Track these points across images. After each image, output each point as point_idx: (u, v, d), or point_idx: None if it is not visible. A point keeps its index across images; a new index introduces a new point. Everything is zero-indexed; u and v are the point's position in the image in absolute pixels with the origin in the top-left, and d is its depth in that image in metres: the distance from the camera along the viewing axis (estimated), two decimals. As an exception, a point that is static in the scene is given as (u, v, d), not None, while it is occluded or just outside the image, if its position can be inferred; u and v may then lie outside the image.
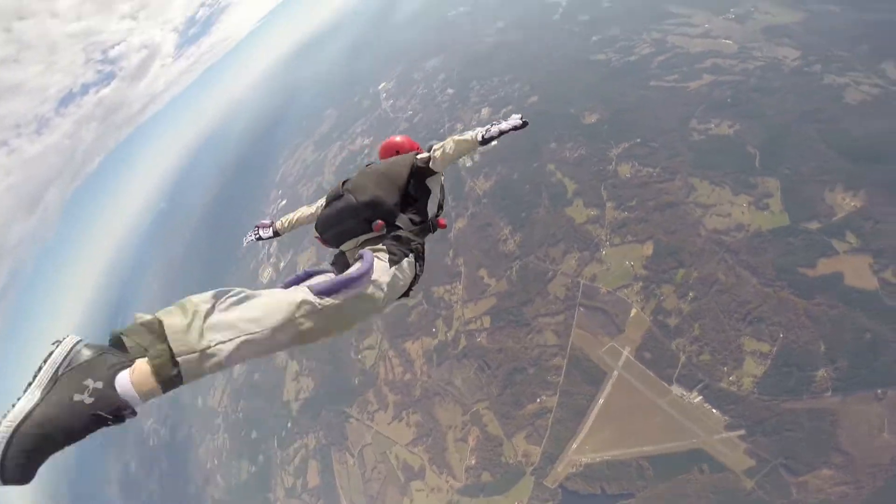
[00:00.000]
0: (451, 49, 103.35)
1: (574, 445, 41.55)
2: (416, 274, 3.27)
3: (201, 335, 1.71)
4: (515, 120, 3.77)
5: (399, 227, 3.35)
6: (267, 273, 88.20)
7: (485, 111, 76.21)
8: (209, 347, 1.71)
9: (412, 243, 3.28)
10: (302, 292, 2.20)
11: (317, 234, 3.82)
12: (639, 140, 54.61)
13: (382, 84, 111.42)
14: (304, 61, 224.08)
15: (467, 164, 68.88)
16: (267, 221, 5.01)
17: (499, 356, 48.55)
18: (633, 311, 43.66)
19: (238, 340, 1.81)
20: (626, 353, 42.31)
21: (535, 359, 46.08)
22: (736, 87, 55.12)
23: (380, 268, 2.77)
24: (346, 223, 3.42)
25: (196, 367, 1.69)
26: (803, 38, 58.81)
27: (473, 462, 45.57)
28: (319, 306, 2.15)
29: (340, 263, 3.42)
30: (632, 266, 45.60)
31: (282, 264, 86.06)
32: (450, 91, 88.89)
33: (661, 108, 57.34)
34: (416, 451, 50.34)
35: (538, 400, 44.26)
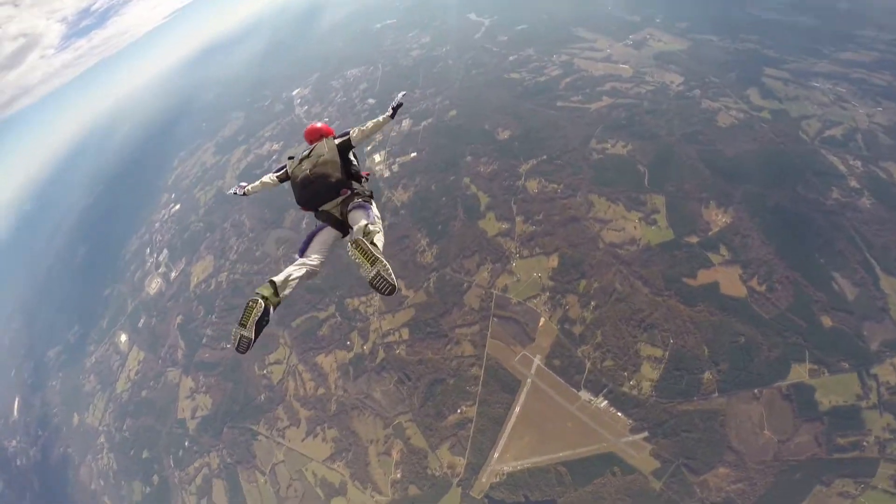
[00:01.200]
0: (375, 60, 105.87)
1: (496, 455, 43.54)
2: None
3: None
4: (399, 97, 7.20)
5: (354, 188, 6.47)
6: (155, 283, 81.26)
7: (405, 123, 78.77)
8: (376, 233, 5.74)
9: (366, 192, 6.57)
10: (368, 221, 5.99)
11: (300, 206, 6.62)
12: (545, 157, 60.37)
13: (297, 90, 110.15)
14: (209, 64, 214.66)
15: (385, 175, 70.58)
16: (244, 184, 7.98)
17: (418, 368, 49.79)
18: (542, 321, 47.40)
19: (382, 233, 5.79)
20: (537, 361, 45.66)
21: (454, 370, 47.95)
22: (630, 110, 63.64)
23: (374, 208, 6.26)
24: (322, 196, 6.23)
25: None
26: (687, 65, 70.05)
27: (399, 476, 45.94)
28: (382, 222, 6.04)
29: (325, 218, 6.35)
30: (539, 277, 49.77)
31: (173, 274, 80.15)
32: (371, 101, 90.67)
33: (567, 127, 64.12)
34: (335, 467, 49.51)
35: (459, 410, 46.02)
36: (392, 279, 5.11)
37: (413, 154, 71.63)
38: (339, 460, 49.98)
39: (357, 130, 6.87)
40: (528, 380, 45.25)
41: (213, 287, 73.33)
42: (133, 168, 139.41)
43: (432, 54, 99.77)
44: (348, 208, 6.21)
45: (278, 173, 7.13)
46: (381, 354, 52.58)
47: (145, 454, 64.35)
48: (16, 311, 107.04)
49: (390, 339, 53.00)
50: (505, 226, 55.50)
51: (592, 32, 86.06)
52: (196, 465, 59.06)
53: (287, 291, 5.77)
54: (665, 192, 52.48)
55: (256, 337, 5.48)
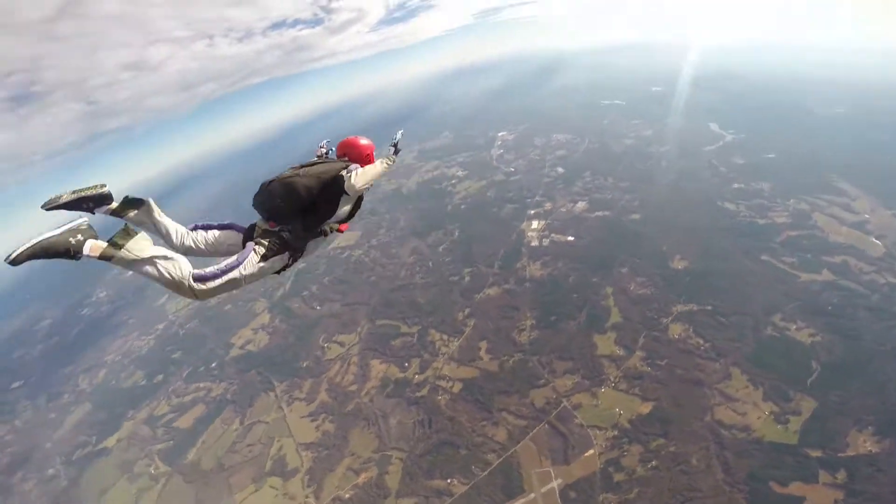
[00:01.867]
0: (584, 133, 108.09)
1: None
2: (285, 265, 4.92)
3: (139, 255, 3.94)
4: (399, 135, 6.80)
5: (288, 230, 4.89)
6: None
7: (580, 205, 77.98)
8: (136, 260, 3.95)
9: (292, 245, 4.88)
10: (188, 277, 4.16)
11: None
12: (709, 308, 52.23)
13: (503, 133, 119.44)
14: (455, 81, 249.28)
15: (533, 244, 70.84)
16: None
17: (444, 423, 49.47)
18: (590, 452, 43.09)
19: (148, 268, 4.01)
20: (555, 483, 41.71)
21: (474, 444, 46.34)
22: (849, 298, 50.84)
23: (251, 261, 4.50)
24: (263, 206, 5.07)
25: (118, 261, 3.91)
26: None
27: (346, 497, 46.63)
28: (195, 289, 4.20)
29: (248, 232, 5.03)
30: (619, 414, 44.95)
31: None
32: (560, 170, 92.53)
33: (757, 287, 54.38)
34: (303, 454, 52.45)
35: (448, 481, 44.55)
36: None
37: (570, 238, 70.33)
38: (312, 451, 52.39)
39: (353, 183, 5.31)
40: (533, 495, 41.54)
41: (344, 255, 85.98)
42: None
43: (646, 149, 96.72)
44: (245, 243, 4.88)
45: None
46: (424, 392, 53.70)
47: (176, 355, 78.30)
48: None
49: (441, 383, 53.75)
50: (619, 352, 50.25)
51: (856, 188, 71.54)
52: (201, 385, 68.91)
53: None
54: (823, 399, 42.23)
55: (56, 207, 3.90)
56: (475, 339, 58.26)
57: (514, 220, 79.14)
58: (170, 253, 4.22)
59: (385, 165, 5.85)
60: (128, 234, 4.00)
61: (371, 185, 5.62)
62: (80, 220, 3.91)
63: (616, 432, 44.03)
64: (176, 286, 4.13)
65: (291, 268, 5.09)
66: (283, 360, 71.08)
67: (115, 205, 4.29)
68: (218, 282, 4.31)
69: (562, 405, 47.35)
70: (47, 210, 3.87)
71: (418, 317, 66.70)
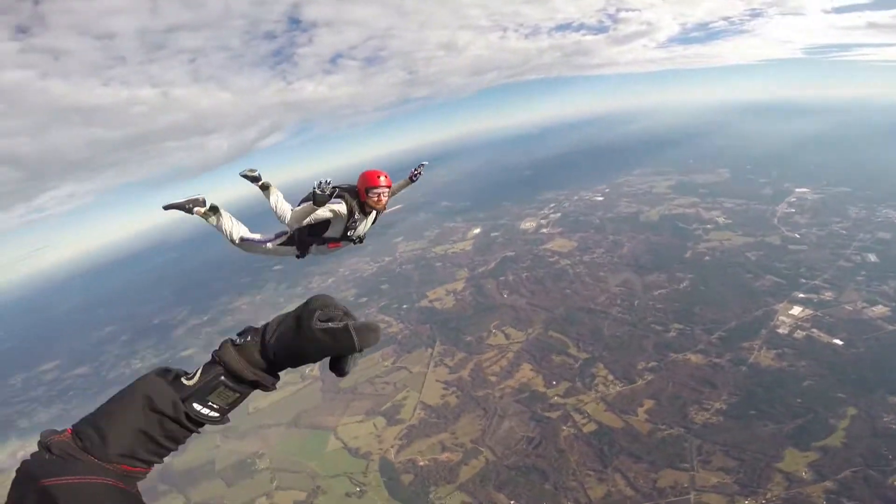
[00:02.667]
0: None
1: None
2: (297, 255, 7.06)
3: (218, 221, 6.96)
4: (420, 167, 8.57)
5: (296, 234, 6.92)
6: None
7: (878, 309, 56.83)
8: (216, 223, 7.00)
9: (297, 244, 6.96)
10: (236, 237, 7.02)
11: None
12: None
13: (804, 189, 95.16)
14: (754, 117, 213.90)
15: (782, 331, 55.71)
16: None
17: (551, 451, 48.41)
18: None
19: (222, 225, 6.95)
20: None
21: (563, 486, 44.05)
22: None
23: (274, 243, 7.01)
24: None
25: (210, 221, 6.92)
26: None
27: (420, 463, 51.39)
28: (237, 243, 7.06)
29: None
30: None
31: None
32: (871, 258, 68.41)
33: None
34: (416, 412, 59.83)
35: (512, 502, 44.41)
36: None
37: (837, 341, 54.19)
38: (425, 413, 59.54)
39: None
40: None
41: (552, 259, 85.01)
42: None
43: None
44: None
45: None
46: (553, 414, 53.14)
47: (384, 286, 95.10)
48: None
49: (576, 416, 52.37)
50: (805, 476, 39.96)
51: None
52: (386, 318, 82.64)
53: (219, 221, 6.95)
54: None
55: (172, 207, 6.72)
56: (642, 395, 52.60)
57: (770, 296, 63.78)
58: (234, 221, 7.00)
59: (330, 212, 6.55)
60: (216, 211, 6.83)
61: (329, 216, 6.68)
62: (198, 195, 6.71)
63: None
64: (229, 239, 6.80)
65: (306, 258, 7.03)
66: (454, 327, 77.83)
67: (205, 209, 6.80)
68: (251, 244, 7.02)
69: (687, 497, 40.77)
70: (165, 210, 6.63)
71: (593, 346, 62.93)
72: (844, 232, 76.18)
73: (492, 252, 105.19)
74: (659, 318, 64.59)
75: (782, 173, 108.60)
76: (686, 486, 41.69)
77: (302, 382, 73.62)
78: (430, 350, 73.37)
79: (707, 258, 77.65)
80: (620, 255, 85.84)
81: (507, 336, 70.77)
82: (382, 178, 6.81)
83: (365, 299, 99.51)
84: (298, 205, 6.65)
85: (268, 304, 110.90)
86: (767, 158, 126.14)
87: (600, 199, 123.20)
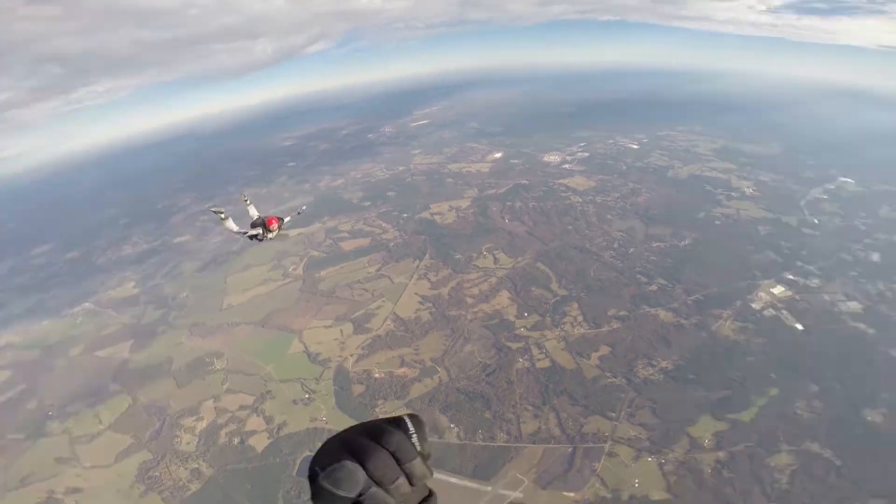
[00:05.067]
0: None
1: None
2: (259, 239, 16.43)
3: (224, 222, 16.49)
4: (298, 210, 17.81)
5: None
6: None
7: (854, 305, 57.93)
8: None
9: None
10: (236, 231, 16.72)
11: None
12: None
13: (847, 180, 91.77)
14: (851, 102, 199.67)
15: (754, 305, 57.46)
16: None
17: (501, 382, 51.78)
18: (571, 495, 41.45)
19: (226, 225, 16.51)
20: (513, 496, 41.47)
21: (500, 416, 46.20)
22: None
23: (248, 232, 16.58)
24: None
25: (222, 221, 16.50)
26: None
27: (375, 375, 55.50)
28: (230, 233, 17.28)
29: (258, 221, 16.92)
30: (634, 486, 41.63)
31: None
32: (874, 257, 67.46)
33: None
34: (385, 323, 64.00)
35: (452, 425, 47.97)
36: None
37: (798, 325, 55.14)
38: (394, 325, 61.82)
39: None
40: (489, 489, 41.98)
41: (565, 194, 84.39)
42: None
43: None
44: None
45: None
46: (515, 345, 55.10)
47: (391, 193, 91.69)
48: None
49: (535, 351, 55.13)
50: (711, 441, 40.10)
51: None
52: (384, 224, 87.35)
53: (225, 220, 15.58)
54: None
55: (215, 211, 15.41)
56: (601, 341, 56.14)
57: (760, 271, 65.44)
58: (231, 223, 15.55)
59: (235, 230, 15.66)
60: (224, 218, 15.08)
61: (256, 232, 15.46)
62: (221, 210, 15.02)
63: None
64: (231, 235, 15.49)
65: (263, 240, 15.30)
66: (447, 243, 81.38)
67: (222, 216, 14.95)
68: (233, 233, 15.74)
69: (602, 446, 44.78)
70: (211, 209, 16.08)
71: (574, 285, 65.74)
72: (863, 227, 75.21)
73: (507, 177, 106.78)
74: (647, 269, 66.92)
75: (833, 160, 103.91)
76: (606, 434, 45.40)
77: (283, 280, 77.71)
78: (417, 262, 77.13)
79: (718, 223, 78.37)
80: (633, 203, 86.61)
81: (496, 260, 74.11)
82: (274, 224, 15.24)
83: (368, 203, 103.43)
84: (250, 227, 15.41)
85: (273, 198, 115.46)
86: (826, 143, 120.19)
87: (635, 146, 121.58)
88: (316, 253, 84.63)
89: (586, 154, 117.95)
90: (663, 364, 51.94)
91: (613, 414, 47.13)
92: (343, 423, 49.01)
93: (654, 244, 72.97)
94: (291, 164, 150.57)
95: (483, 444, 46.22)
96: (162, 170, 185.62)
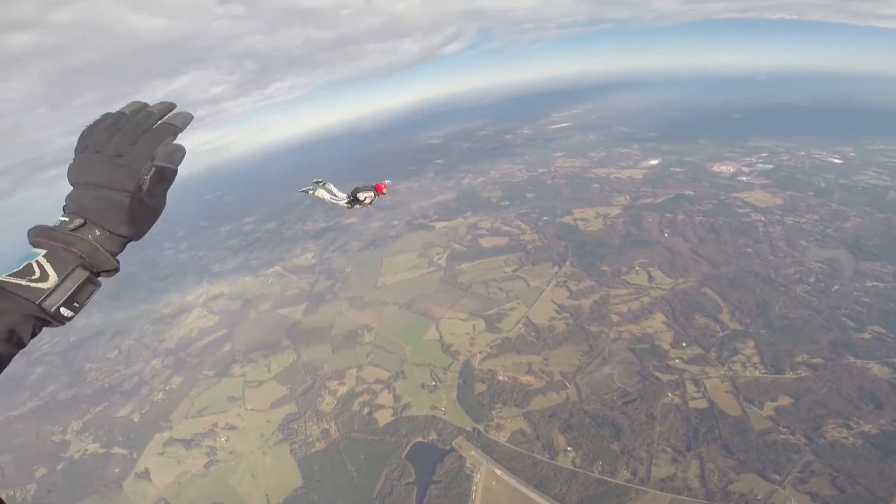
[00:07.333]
0: None
1: None
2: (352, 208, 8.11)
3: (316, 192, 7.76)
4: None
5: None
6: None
7: None
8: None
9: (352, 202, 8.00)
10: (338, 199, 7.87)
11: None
12: None
13: None
14: None
15: None
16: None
17: (640, 415, 45.46)
18: None
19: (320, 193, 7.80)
20: None
21: (631, 454, 41.71)
22: None
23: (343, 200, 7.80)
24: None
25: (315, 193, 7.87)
26: None
27: (499, 378, 53.55)
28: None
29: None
30: None
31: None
32: None
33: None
34: (518, 326, 61.04)
35: (569, 449, 43.68)
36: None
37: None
38: (526, 330, 59.88)
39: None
40: None
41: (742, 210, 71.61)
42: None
43: None
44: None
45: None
46: (665, 377, 49.17)
47: (531, 195, 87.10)
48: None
49: (690, 388, 47.59)
50: None
51: None
52: (522, 225, 76.72)
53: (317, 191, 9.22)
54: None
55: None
56: (781, 389, 45.14)
57: None
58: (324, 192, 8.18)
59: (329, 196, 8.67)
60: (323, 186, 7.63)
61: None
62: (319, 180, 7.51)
63: None
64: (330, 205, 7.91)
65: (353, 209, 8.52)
66: (591, 252, 74.02)
67: (310, 190, 7.76)
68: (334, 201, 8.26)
69: None
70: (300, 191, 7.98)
71: (752, 320, 53.93)
72: None
73: (665, 186, 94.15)
74: (856, 313, 51.78)
75: None
76: (758, 498, 36.26)
77: (428, 268, 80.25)
78: (556, 268, 71.14)
79: None
80: (838, 229, 68.82)
81: (650, 278, 64.30)
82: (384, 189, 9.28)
83: (507, 203, 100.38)
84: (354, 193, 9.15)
85: (423, 191, 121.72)
86: None
87: (838, 160, 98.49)
88: (458, 246, 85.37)
89: (769, 166, 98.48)
90: (865, 428, 39.63)
91: (778, 476, 37.38)
92: (458, 417, 49.79)
93: (869, 283, 56.26)
94: (439, 161, 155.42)
95: (599, 477, 40.28)
96: (333, 161, 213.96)
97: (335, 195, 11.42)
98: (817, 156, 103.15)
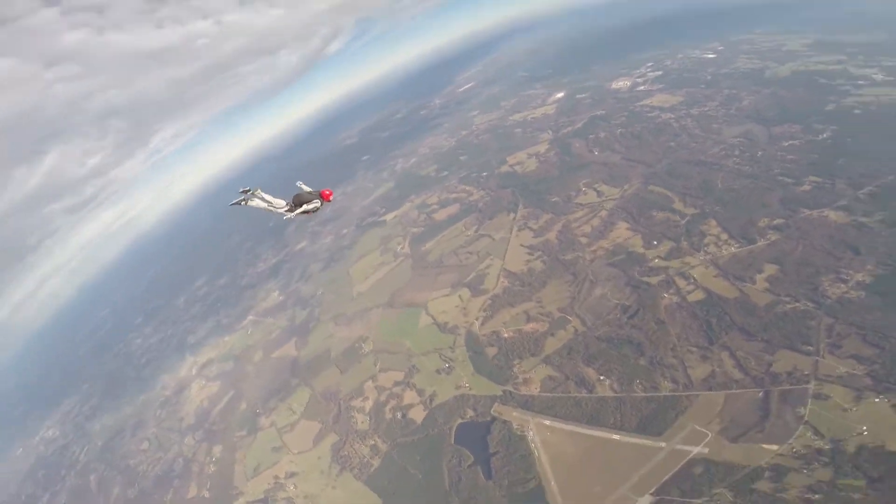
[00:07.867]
0: None
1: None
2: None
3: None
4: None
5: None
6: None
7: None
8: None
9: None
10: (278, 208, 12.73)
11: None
12: None
13: None
14: None
15: None
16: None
17: (649, 323, 46.62)
18: (773, 447, 34.26)
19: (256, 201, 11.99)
20: (696, 451, 35.84)
21: (660, 362, 42.41)
22: None
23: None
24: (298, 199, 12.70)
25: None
26: None
27: (504, 335, 53.68)
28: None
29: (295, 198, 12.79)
30: (862, 433, 32.21)
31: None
32: None
33: None
34: (500, 280, 62.02)
35: (601, 377, 43.97)
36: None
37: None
38: (508, 281, 61.21)
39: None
40: (663, 445, 37.49)
41: (651, 114, 77.08)
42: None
43: None
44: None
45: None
46: (653, 279, 50.78)
47: (463, 157, 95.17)
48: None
49: (680, 282, 49.56)
50: None
51: None
52: (467, 187, 77.66)
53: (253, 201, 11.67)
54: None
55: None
56: (763, 259, 47.25)
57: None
58: (258, 200, 11.59)
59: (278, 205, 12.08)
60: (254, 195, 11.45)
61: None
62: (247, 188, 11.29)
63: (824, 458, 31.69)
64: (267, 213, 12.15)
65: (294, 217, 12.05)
66: (537, 189, 76.23)
67: (243, 201, 11.32)
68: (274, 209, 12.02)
69: (805, 387, 35.65)
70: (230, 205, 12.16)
71: (703, 200, 57.82)
72: None
73: (578, 113, 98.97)
74: (789, 169, 56.91)
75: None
76: (807, 373, 35.89)
77: (395, 261, 79.30)
78: (512, 215, 72.64)
79: (857, 111, 65.51)
80: (739, 108, 75.81)
81: (599, 193, 67.44)
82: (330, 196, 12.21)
83: (446, 173, 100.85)
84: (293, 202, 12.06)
85: (360, 190, 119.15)
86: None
87: (712, 56, 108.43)
88: (415, 229, 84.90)
89: (658, 72, 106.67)
90: (859, 277, 41.08)
91: (810, 347, 37.62)
92: (484, 387, 49.23)
93: (786, 143, 62.73)
94: (365, 157, 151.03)
95: (645, 394, 40.70)
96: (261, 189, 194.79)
97: (271, 203, 11.09)
98: (693, 55, 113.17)
